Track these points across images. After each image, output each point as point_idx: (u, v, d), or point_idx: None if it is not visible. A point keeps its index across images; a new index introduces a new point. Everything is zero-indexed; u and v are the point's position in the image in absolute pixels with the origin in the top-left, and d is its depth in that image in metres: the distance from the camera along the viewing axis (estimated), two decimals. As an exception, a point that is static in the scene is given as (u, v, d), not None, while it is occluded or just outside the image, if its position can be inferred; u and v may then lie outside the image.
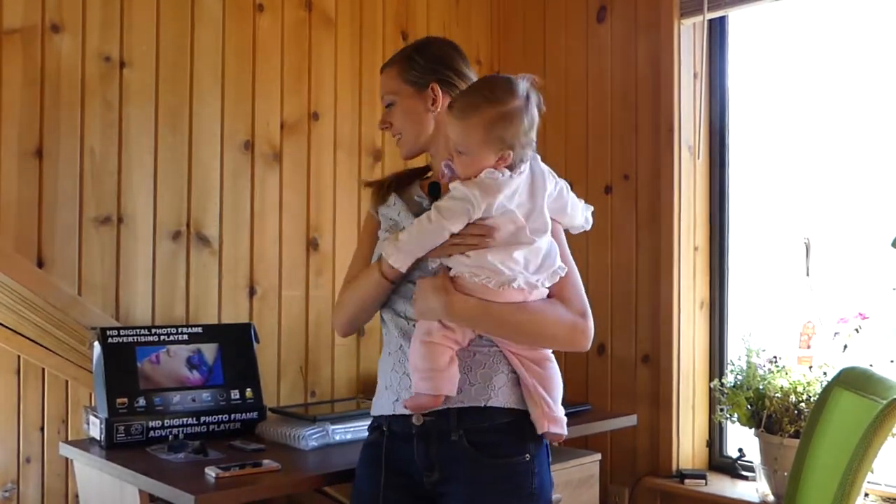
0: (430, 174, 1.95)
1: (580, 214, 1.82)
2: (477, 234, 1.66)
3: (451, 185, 1.68)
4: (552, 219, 1.74)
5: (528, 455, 1.72)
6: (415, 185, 1.93)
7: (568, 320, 1.73)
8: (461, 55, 1.92)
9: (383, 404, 1.80)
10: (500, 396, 1.71)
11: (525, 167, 1.69)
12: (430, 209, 1.80)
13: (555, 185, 1.75)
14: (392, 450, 1.78)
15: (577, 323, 1.74)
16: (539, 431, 1.72)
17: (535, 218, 1.69)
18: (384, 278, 1.76)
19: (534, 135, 1.68)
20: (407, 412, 1.73)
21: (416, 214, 1.81)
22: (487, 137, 1.63)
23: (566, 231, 1.83)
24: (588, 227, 1.85)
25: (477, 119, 1.63)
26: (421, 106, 1.84)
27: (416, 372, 1.68)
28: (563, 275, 1.73)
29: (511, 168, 1.66)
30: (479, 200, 1.64)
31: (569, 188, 1.80)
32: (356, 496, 1.86)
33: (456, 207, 1.65)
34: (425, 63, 1.86)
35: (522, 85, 1.67)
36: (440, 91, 1.83)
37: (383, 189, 1.93)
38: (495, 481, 1.70)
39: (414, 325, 1.75)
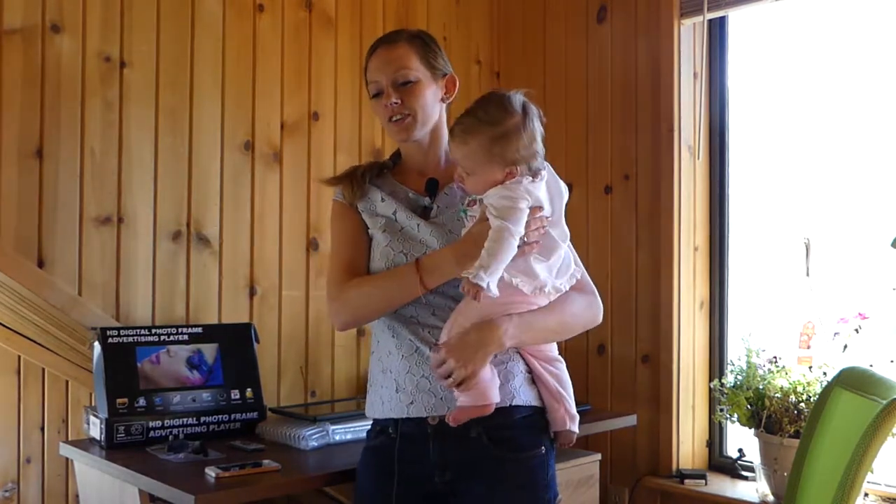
0: (391, 166, 1.92)
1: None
2: (536, 228, 1.65)
3: (487, 196, 1.66)
4: None
5: (543, 448, 1.76)
6: (389, 180, 1.89)
7: (586, 304, 1.83)
8: None
9: (392, 407, 1.76)
10: (522, 395, 1.74)
11: (544, 174, 1.70)
12: (432, 207, 1.80)
13: (565, 190, 1.78)
14: (403, 452, 1.75)
15: (593, 303, 1.85)
16: (560, 429, 1.78)
17: (555, 224, 1.72)
18: (423, 287, 1.70)
19: (538, 146, 1.67)
20: (420, 415, 1.72)
21: (415, 211, 1.80)
22: (489, 158, 1.64)
23: None
24: None
25: (475, 142, 1.65)
26: (437, 94, 1.84)
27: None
28: (579, 277, 1.78)
29: (534, 173, 1.67)
30: (521, 192, 1.63)
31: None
32: (360, 502, 1.84)
33: (513, 210, 1.61)
34: (440, 53, 1.87)
35: (517, 100, 1.67)
36: (455, 85, 1.86)
37: (358, 182, 1.86)
38: (514, 475, 1.72)
39: (430, 332, 1.73)
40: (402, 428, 1.76)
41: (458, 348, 1.64)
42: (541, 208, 1.66)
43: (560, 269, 1.74)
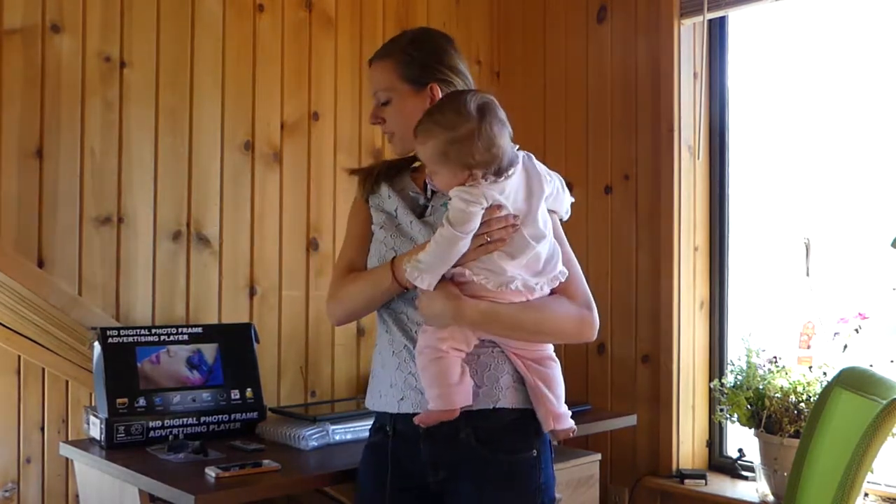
0: (417, 164, 1.91)
1: (566, 207, 1.82)
2: (502, 227, 1.65)
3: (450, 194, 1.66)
4: (550, 210, 1.75)
5: (534, 451, 1.74)
6: (405, 177, 1.90)
7: (574, 314, 1.75)
8: (456, 48, 1.88)
9: (387, 402, 1.78)
10: (508, 397, 1.72)
11: (514, 170, 1.67)
12: (427, 205, 1.81)
13: (552, 186, 1.75)
14: (398, 450, 1.77)
15: (584, 316, 1.76)
16: (546, 429, 1.74)
17: (530, 223, 1.68)
18: (399, 285, 1.72)
19: (498, 150, 1.64)
20: (409, 411, 1.72)
21: (413, 210, 1.81)
22: (446, 160, 1.65)
23: None
24: (565, 219, 1.84)
25: (431, 144, 1.65)
26: (419, 105, 1.79)
27: (431, 390, 1.66)
28: (563, 280, 1.73)
29: (497, 174, 1.65)
30: (476, 195, 1.62)
31: (562, 181, 1.80)
32: (361, 499, 1.85)
33: (461, 213, 1.62)
34: (424, 60, 1.82)
35: (472, 104, 1.64)
36: (439, 91, 1.80)
37: (372, 178, 1.89)
38: (503, 477, 1.71)
39: (416, 331, 1.74)
40: (397, 425, 1.77)
41: (425, 305, 1.68)
42: (500, 207, 1.65)
43: (542, 270, 1.70)
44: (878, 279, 2.71)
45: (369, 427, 1.91)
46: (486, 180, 1.64)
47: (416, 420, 1.69)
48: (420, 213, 1.81)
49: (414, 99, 1.81)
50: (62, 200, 2.39)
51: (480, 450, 1.70)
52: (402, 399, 1.75)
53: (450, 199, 1.67)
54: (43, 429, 2.37)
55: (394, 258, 1.75)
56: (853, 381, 2.04)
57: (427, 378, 1.67)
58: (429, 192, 1.83)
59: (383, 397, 1.80)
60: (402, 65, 1.81)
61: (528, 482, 1.73)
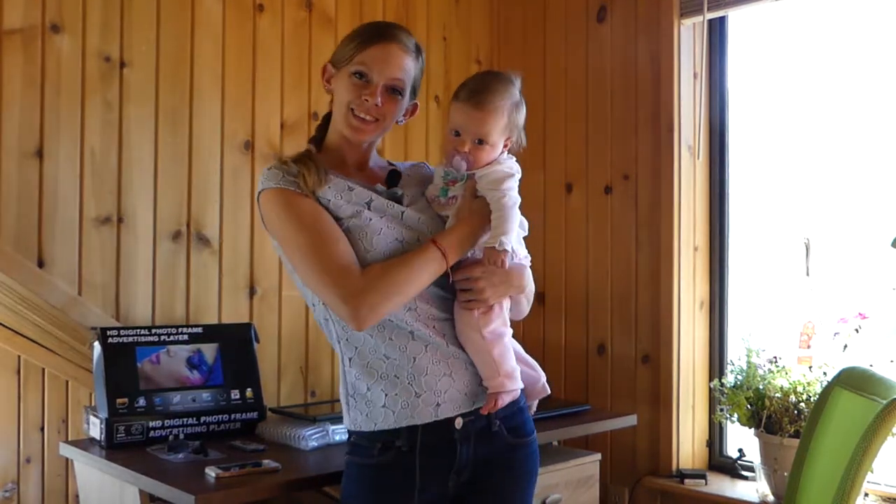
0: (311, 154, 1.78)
1: None
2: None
3: (481, 172, 1.73)
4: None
5: (535, 430, 1.83)
6: (333, 171, 1.75)
7: None
8: None
9: (414, 414, 1.64)
10: (521, 378, 1.79)
11: None
12: (402, 196, 1.77)
13: None
14: (426, 463, 1.66)
15: None
16: (544, 395, 1.87)
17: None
18: (445, 267, 1.68)
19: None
20: (450, 415, 1.66)
21: (393, 199, 1.75)
22: (507, 123, 1.73)
23: None
24: None
25: (499, 106, 1.71)
26: (400, 112, 1.78)
27: (518, 369, 1.73)
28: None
29: (512, 150, 1.80)
30: (516, 166, 1.77)
31: None
32: None
33: (515, 181, 1.73)
34: (421, 78, 1.83)
35: (516, 78, 1.77)
36: (415, 114, 1.87)
37: (321, 169, 1.69)
38: (523, 460, 1.78)
39: (437, 325, 1.69)
40: (423, 437, 1.65)
41: (490, 273, 1.70)
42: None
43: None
44: (878, 279, 2.71)
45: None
46: (510, 154, 1.78)
47: (487, 407, 1.69)
48: (393, 198, 1.76)
49: (405, 105, 1.79)
50: (62, 200, 2.39)
51: (510, 439, 1.75)
52: (437, 406, 1.65)
53: (444, 180, 1.75)
54: (43, 429, 2.37)
55: (433, 240, 1.66)
56: (853, 381, 2.04)
57: (511, 357, 1.73)
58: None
59: (402, 412, 1.65)
60: (417, 71, 1.78)
61: (537, 461, 1.82)
